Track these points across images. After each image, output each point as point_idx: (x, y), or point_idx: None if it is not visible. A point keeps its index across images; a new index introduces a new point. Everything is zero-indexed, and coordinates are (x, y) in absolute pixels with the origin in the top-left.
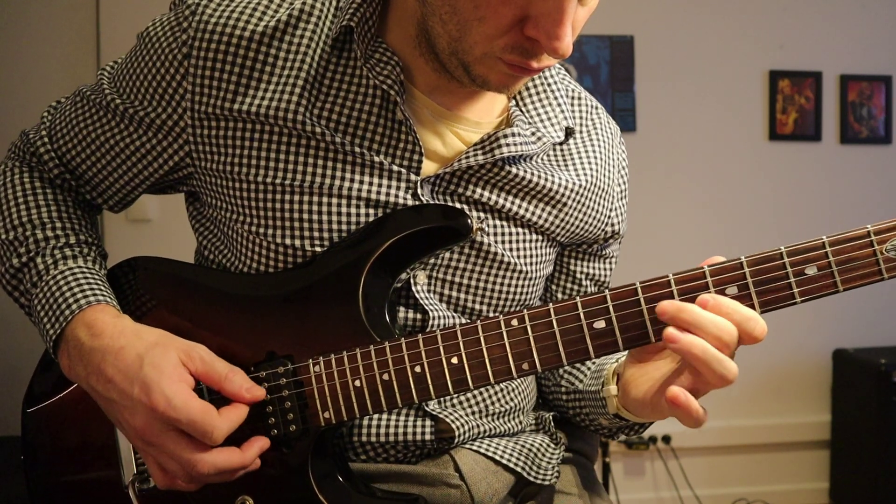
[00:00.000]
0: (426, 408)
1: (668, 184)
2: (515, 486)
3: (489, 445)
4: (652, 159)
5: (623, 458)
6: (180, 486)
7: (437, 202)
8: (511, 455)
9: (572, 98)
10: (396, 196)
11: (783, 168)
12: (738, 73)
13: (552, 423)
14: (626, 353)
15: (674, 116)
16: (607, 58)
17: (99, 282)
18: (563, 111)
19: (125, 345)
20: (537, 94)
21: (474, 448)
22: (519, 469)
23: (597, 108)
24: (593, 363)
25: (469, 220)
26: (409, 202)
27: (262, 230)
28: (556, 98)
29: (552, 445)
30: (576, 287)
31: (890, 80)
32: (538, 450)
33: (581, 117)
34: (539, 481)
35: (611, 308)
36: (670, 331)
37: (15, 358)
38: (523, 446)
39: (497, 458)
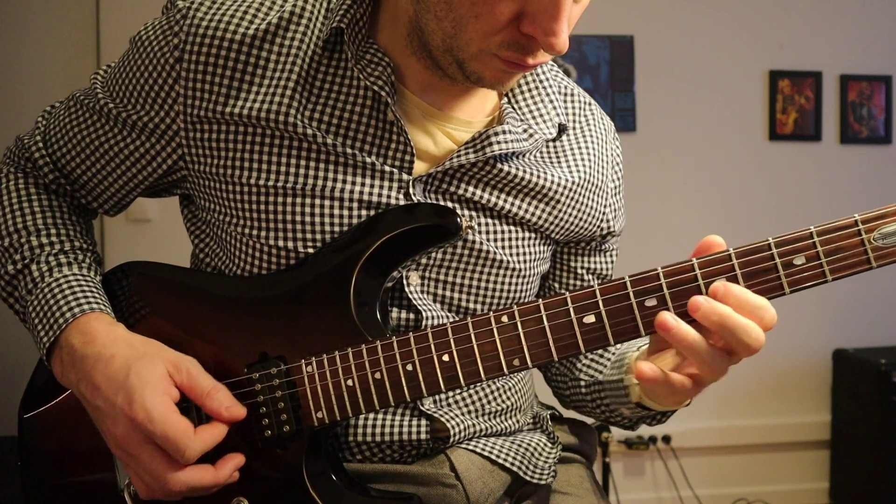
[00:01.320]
0: (421, 407)
1: (668, 184)
2: (512, 485)
3: (485, 445)
4: (652, 159)
5: (623, 458)
6: (159, 497)
7: (427, 201)
8: (507, 454)
9: (565, 94)
10: (388, 197)
11: (783, 168)
12: (738, 73)
13: (549, 422)
14: (646, 341)
15: (674, 116)
16: (607, 58)
17: (94, 289)
18: (555, 107)
19: (116, 353)
20: (529, 90)
21: (470, 448)
22: (515, 468)
23: (590, 104)
24: (613, 354)
25: (458, 219)
26: (402, 202)
27: (255, 232)
28: (548, 94)
29: (549, 445)
30: (578, 283)
31: (890, 80)
32: (535, 449)
33: (574, 113)
34: (535, 481)
35: (600, 302)
36: (664, 317)
37: (15, 358)
38: (520, 445)
39: (493, 457)
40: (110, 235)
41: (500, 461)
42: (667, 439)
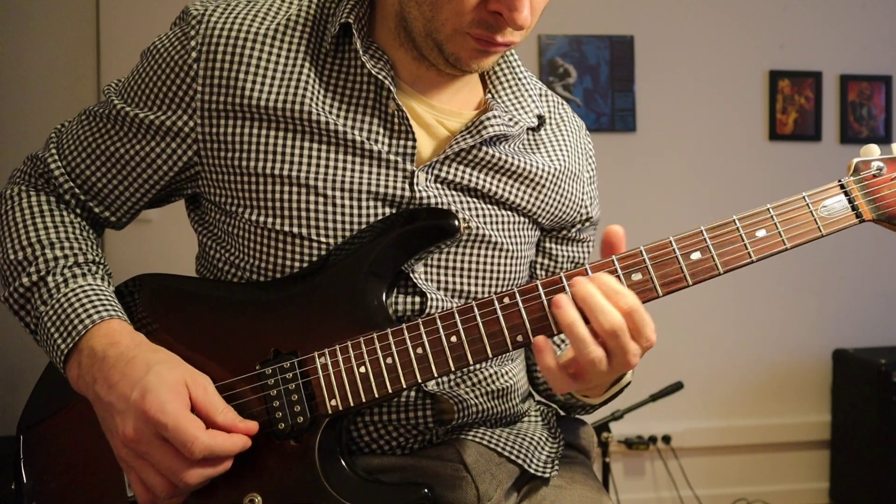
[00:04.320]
0: (425, 388)
1: (668, 184)
2: (519, 478)
3: (491, 437)
4: (652, 159)
5: (623, 458)
6: (164, 500)
7: (429, 206)
8: (513, 448)
9: (541, 94)
10: (394, 188)
11: (783, 168)
12: (738, 73)
13: (554, 418)
14: None
15: (674, 116)
16: (607, 58)
17: (111, 299)
18: (533, 101)
19: (138, 355)
20: (510, 86)
21: (477, 439)
22: (520, 461)
23: (562, 103)
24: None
25: (457, 221)
26: (406, 191)
27: (268, 220)
28: (526, 90)
29: (551, 439)
30: (558, 270)
31: (890, 80)
32: (538, 443)
33: (549, 110)
34: (539, 474)
35: None
36: (559, 297)
37: (15, 358)
38: (524, 439)
39: (499, 450)
40: (110, 236)
41: (506, 454)
42: (667, 439)
